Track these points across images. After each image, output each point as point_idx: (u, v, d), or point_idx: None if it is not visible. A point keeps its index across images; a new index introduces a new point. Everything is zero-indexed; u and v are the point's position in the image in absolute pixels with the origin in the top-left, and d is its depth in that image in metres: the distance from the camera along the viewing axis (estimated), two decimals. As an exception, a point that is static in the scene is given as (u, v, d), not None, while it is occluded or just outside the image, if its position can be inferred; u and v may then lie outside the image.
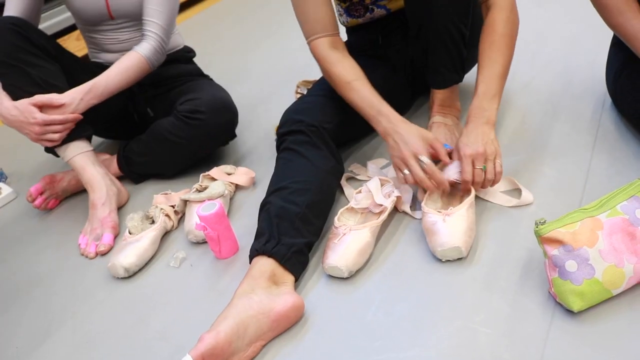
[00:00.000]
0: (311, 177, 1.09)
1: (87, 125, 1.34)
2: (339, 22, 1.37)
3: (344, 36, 1.47)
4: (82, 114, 1.46)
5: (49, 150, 1.34)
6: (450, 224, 0.98)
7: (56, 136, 1.26)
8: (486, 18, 1.14)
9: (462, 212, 1.00)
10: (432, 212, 1.01)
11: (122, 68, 1.30)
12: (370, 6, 1.33)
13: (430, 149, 1.07)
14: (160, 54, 1.36)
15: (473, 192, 1.05)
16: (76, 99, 1.26)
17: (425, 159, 1.04)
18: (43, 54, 1.30)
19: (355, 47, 1.37)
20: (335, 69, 1.16)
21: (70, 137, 1.31)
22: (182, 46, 1.58)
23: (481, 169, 1.03)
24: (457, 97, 1.27)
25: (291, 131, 1.17)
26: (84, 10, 1.41)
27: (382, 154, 1.35)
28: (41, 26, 2.31)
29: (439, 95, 1.26)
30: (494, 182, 1.05)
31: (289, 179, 1.09)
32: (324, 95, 1.24)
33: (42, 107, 1.24)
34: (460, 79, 1.23)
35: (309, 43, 1.20)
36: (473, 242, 1.01)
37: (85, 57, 1.59)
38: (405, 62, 1.38)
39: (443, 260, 0.99)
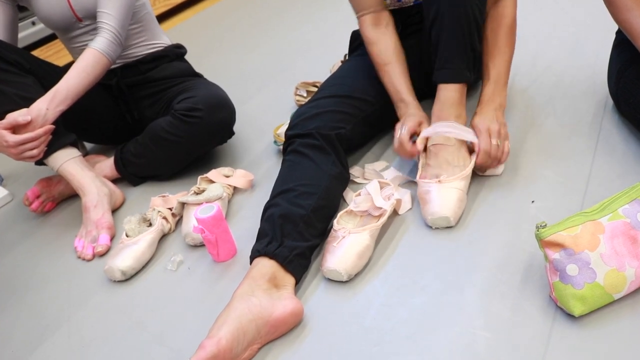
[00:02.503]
0: (318, 181, 1.09)
1: (68, 132, 1.34)
2: None
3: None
4: (76, 124, 1.45)
5: (39, 163, 1.33)
6: (442, 194, 1.05)
7: (34, 152, 1.25)
8: (495, 8, 1.18)
9: (455, 184, 1.07)
10: (427, 180, 1.09)
11: (80, 68, 1.29)
12: None
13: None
14: (117, 45, 1.34)
15: (471, 167, 1.09)
16: (42, 109, 1.23)
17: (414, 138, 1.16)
18: (16, 69, 1.29)
19: None
20: (373, 49, 1.25)
21: (53, 148, 1.30)
22: (169, 44, 1.57)
23: (497, 143, 1.10)
24: (464, 106, 1.15)
25: (301, 134, 1.16)
26: (51, 17, 1.40)
27: (381, 157, 1.34)
28: (31, 30, 2.34)
29: (443, 93, 1.13)
30: (500, 162, 1.12)
31: (295, 181, 1.08)
32: (335, 97, 1.23)
33: (12, 128, 1.22)
34: (471, 79, 1.14)
35: (357, 19, 1.28)
36: (463, 212, 1.08)
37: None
38: (414, 61, 1.36)
39: (433, 227, 1.06)
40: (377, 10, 1.25)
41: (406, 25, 1.36)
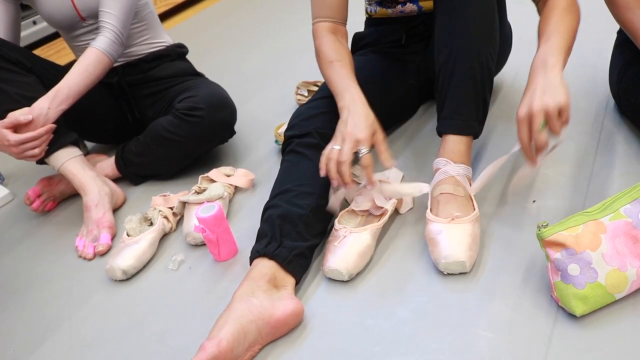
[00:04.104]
0: (317, 180, 1.08)
1: (70, 131, 1.34)
2: (365, 10, 1.38)
3: (362, 27, 1.46)
4: (78, 123, 1.45)
5: (40, 162, 1.33)
6: (454, 236, 0.95)
7: (36, 151, 1.25)
8: (544, 1, 1.04)
9: (466, 227, 0.97)
10: (437, 220, 0.98)
11: (82, 67, 1.29)
12: None
13: (372, 141, 1.01)
14: (118, 45, 1.34)
15: (477, 209, 1.01)
16: (44, 108, 1.23)
17: (364, 151, 0.99)
18: (18, 68, 1.29)
19: (375, 42, 1.36)
20: (323, 48, 1.14)
21: (55, 147, 1.30)
22: (171, 43, 1.57)
23: (539, 130, 0.88)
24: (470, 157, 1.07)
25: (299, 134, 1.16)
26: (55, 16, 1.40)
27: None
28: (32, 29, 2.34)
29: (449, 146, 1.05)
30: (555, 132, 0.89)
31: (294, 181, 1.08)
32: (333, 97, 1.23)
33: (14, 127, 1.22)
34: (479, 133, 1.07)
35: (313, 24, 1.18)
36: (477, 258, 0.98)
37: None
38: (418, 68, 1.36)
39: (445, 273, 0.96)
40: (337, 21, 1.16)
41: (409, 36, 1.36)
